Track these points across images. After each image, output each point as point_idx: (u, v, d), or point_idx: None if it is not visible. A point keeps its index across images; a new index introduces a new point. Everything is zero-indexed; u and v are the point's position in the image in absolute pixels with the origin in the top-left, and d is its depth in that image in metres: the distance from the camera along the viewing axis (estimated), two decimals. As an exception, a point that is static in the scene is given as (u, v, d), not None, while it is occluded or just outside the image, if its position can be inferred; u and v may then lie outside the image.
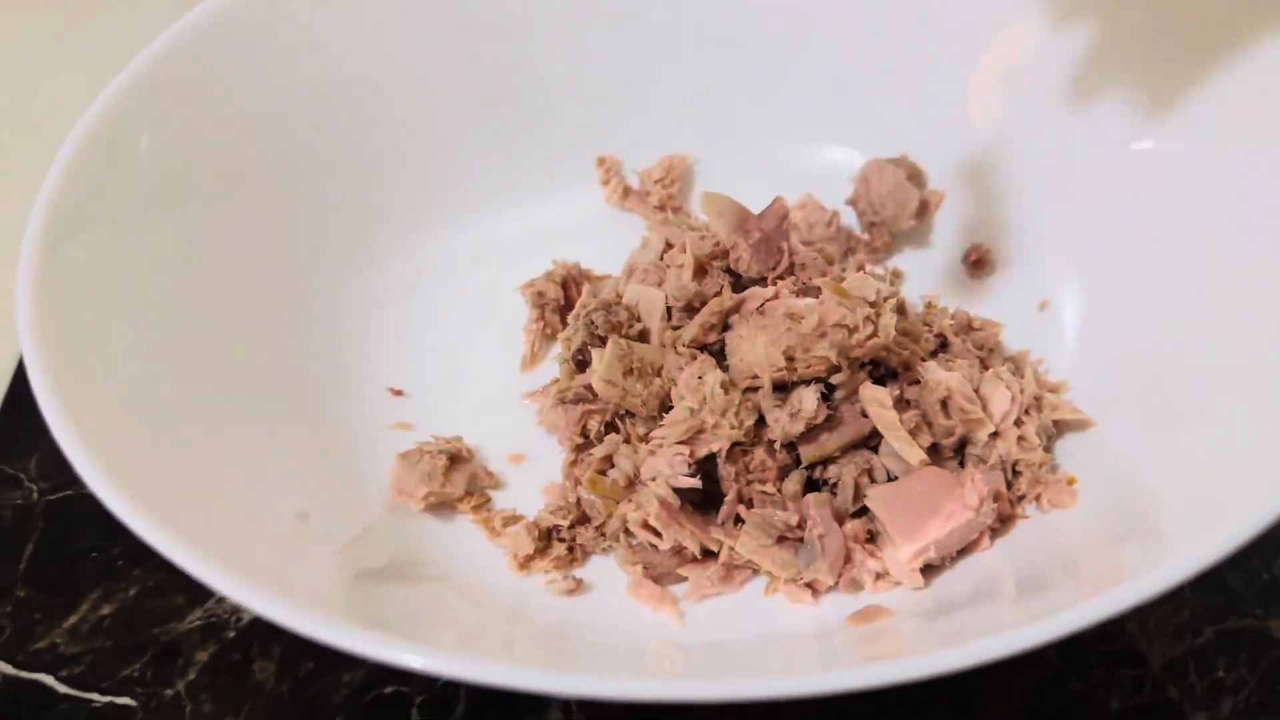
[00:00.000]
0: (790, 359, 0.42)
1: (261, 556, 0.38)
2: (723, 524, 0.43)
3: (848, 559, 0.42)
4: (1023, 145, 0.53)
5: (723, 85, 0.59)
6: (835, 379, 0.43)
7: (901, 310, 0.48)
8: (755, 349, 0.43)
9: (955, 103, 0.54)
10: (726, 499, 0.43)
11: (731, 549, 0.43)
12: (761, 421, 0.43)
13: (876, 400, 0.42)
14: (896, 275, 0.54)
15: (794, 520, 0.42)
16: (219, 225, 0.49)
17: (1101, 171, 0.50)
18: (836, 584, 0.42)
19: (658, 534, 0.43)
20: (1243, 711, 0.41)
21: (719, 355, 0.45)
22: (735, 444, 0.43)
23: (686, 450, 0.42)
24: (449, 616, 0.41)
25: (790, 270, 0.46)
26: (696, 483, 0.42)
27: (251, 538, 0.39)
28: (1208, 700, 0.42)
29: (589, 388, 0.46)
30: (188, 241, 0.47)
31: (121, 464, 0.37)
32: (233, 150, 0.50)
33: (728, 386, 0.43)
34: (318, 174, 0.53)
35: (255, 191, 0.51)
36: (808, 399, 0.42)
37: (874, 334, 0.42)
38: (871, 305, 0.43)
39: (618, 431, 0.46)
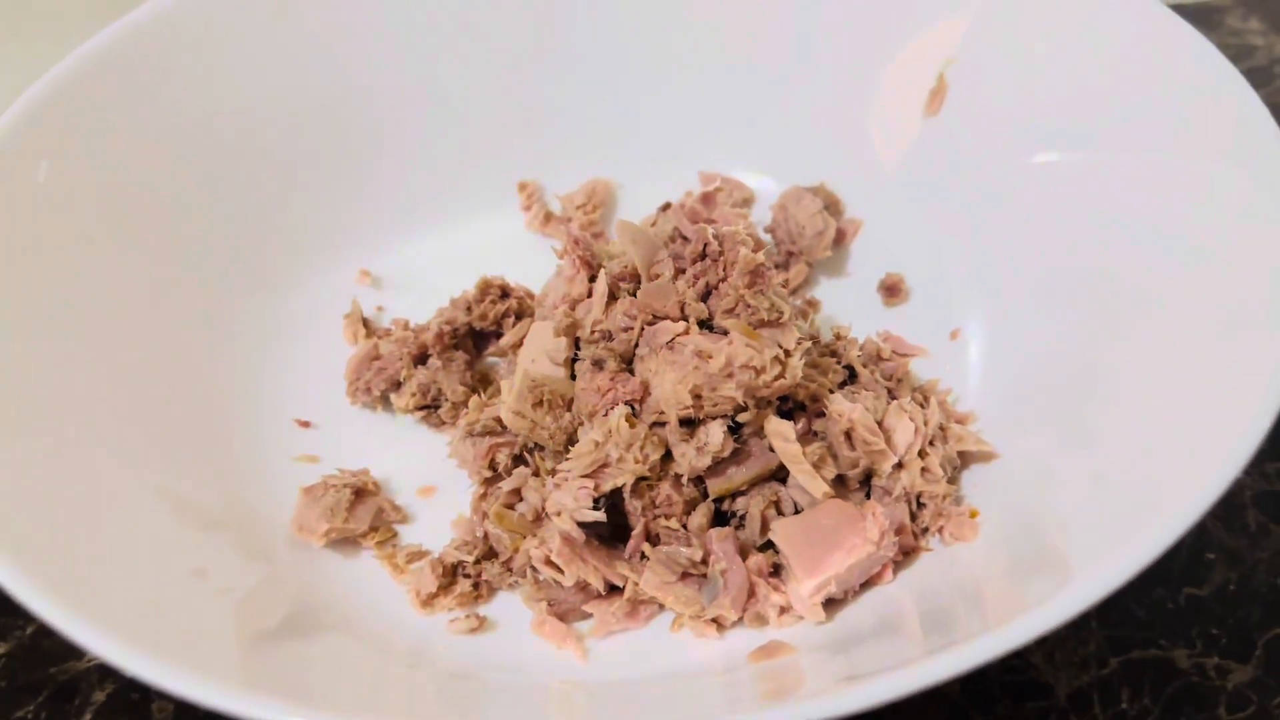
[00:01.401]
0: (698, 396, 0.42)
1: (152, 619, 0.37)
2: (629, 559, 0.43)
3: (751, 593, 0.42)
4: (935, 170, 0.53)
5: (644, 111, 0.59)
6: (741, 416, 0.43)
7: (814, 341, 0.49)
8: (663, 384, 0.43)
9: (868, 129, 0.55)
10: (633, 534, 0.43)
11: (636, 584, 0.42)
12: (668, 455, 0.43)
13: (780, 434, 0.42)
14: (811, 304, 0.54)
15: (698, 556, 0.42)
16: (116, 256, 0.48)
17: (1007, 191, 0.50)
18: (741, 619, 0.42)
19: (561, 570, 0.42)
20: (1144, 743, 0.41)
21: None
22: (640, 479, 0.42)
23: (591, 484, 0.42)
24: (349, 670, 0.40)
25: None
26: (600, 516, 0.42)
27: (143, 598, 0.38)
28: (1110, 732, 0.42)
29: (498, 419, 0.46)
30: (81, 274, 0.46)
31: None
32: (132, 178, 0.49)
33: (633, 421, 0.43)
34: (219, 199, 0.52)
35: (154, 219, 0.50)
36: (714, 433, 0.42)
37: (781, 375, 0.42)
38: (783, 349, 0.43)
39: (526, 464, 0.46)
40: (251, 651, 0.39)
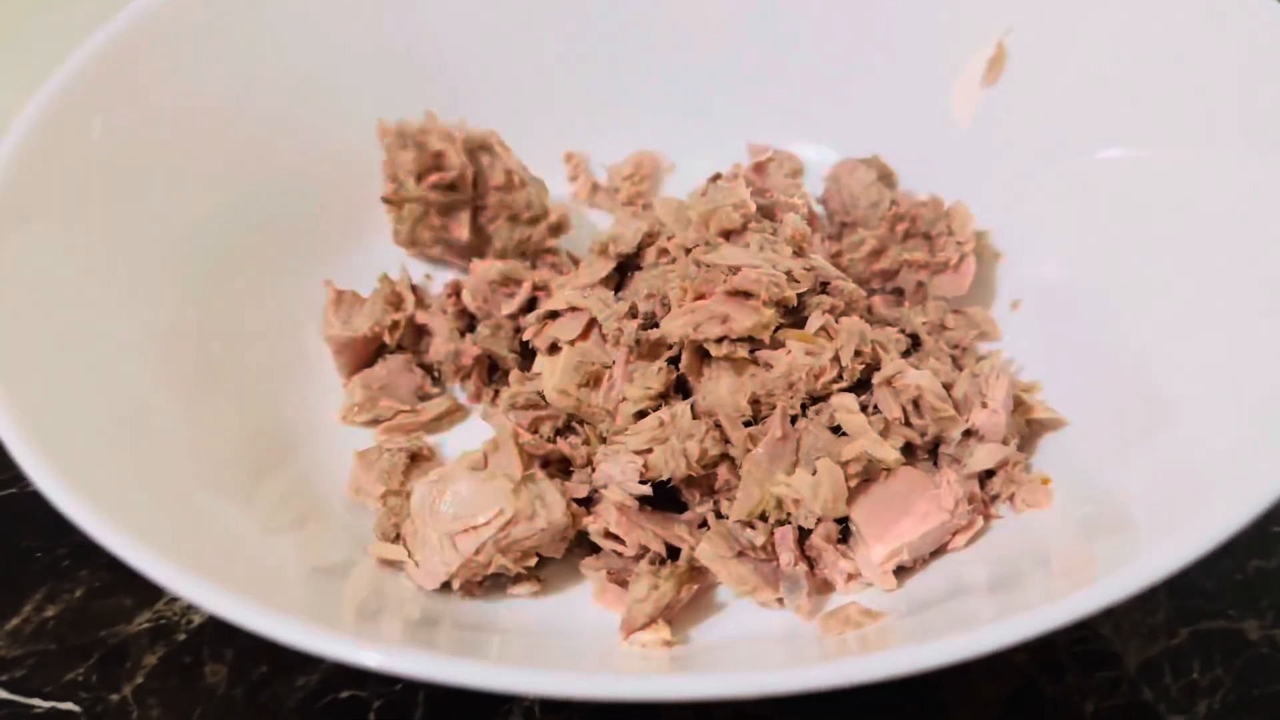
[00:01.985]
0: (755, 403, 0.42)
1: (213, 553, 0.37)
2: (690, 525, 0.43)
3: (819, 557, 0.42)
4: (996, 147, 0.52)
5: (693, 80, 0.58)
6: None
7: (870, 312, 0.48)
8: (719, 389, 0.42)
9: (928, 104, 0.54)
10: (696, 504, 0.43)
11: (693, 549, 0.42)
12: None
13: (844, 407, 0.42)
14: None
15: (760, 541, 0.41)
16: (172, 208, 0.47)
17: (1073, 174, 0.49)
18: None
19: (621, 540, 0.42)
20: (1218, 712, 0.41)
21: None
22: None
23: (641, 460, 0.42)
24: (406, 615, 0.39)
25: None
26: (647, 490, 0.42)
27: (203, 532, 0.38)
28: (1184, 702, 0.41)
29: (541, 394, 0.46)
30: (139, 225, 0.46)
31: (66, 458, 0.35)
32: (184, 134, 0.49)
33: (699, 413, 0.42)
34: (271, 157, 0.52)
35: (208, 174, 0.49)
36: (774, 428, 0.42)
37: (839, 376, 0.42)
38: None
39: (576, 434, 0.45)
40: (312, 589, 0.39)
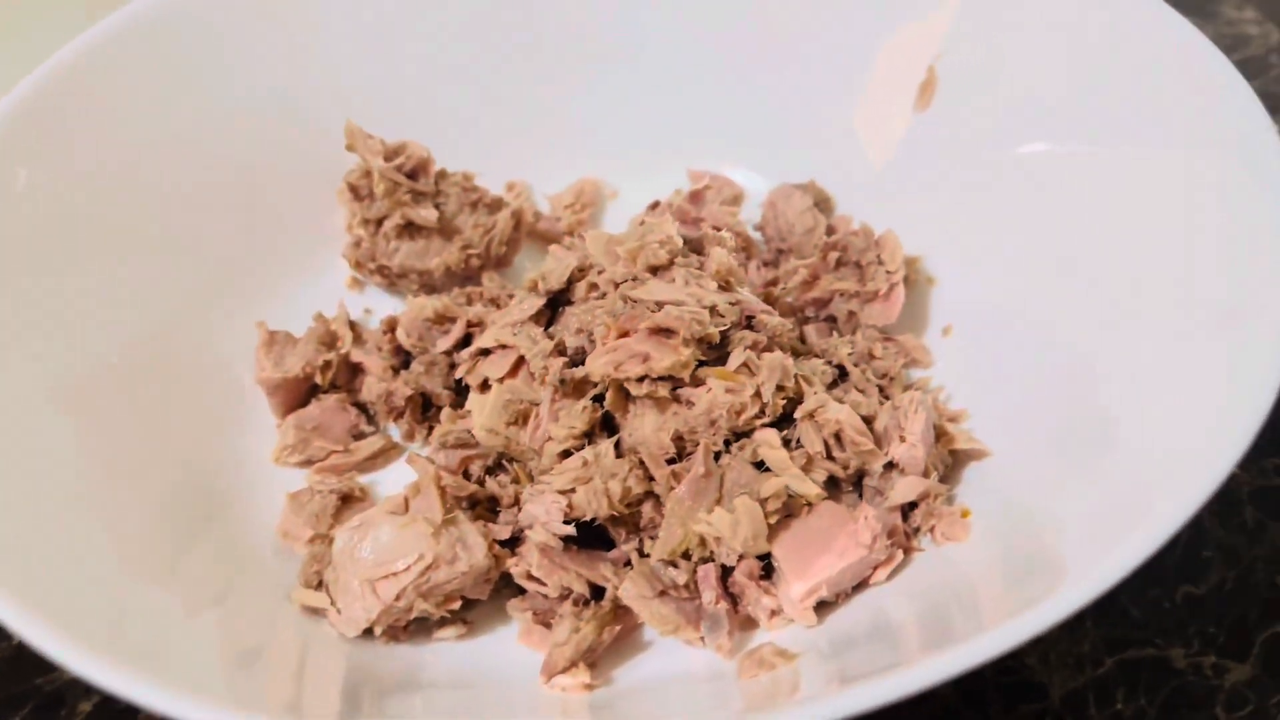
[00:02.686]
0: (679, 439, 0.42)
1: (132, 632, 0.37)
2: (615, 563, 0.43)
3: (742, 594, 0.42)
4: (926, 165, 0.52)
5: (634, 107, 0.59)
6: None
7: (802, 341, 0.48)
8: (643, 427, 0.42)
9: (858, 125, 0.54)
10: (621, 543, 0.43)
11: (617, 589, 0.42)
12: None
13: (767, 443, 0.42)
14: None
15: (682, 580, 0.41)
16: (97, 262, 0.48)
17: (1004, 196, 0.49)
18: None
19: (543, 583, 0.42)
20: (1140, 745, 0.41)
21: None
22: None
23: (565, 500, 0.42)
24: (330, 682, 0.39)
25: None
26: (571, 531, 0.42)
27: (125, 616, 0.38)
28: (1106, 733, 0.41)
29: (470, 433, 0.46)
30: (64, 280, 0.46)
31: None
32: (111, 184, 0.49)
33: (624, 451, 0.43)
34: (200, 206, 0.52)
35: (134, 226, 0.50)
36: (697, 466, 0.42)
37: (761, 412, 0.42)
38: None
39: (506, 473, 0.46)
40: (236, 665, 0.39)
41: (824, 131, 0.55)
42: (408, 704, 0.39)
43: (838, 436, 0.43)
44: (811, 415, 0.43)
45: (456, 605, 0.42)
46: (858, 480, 0.44)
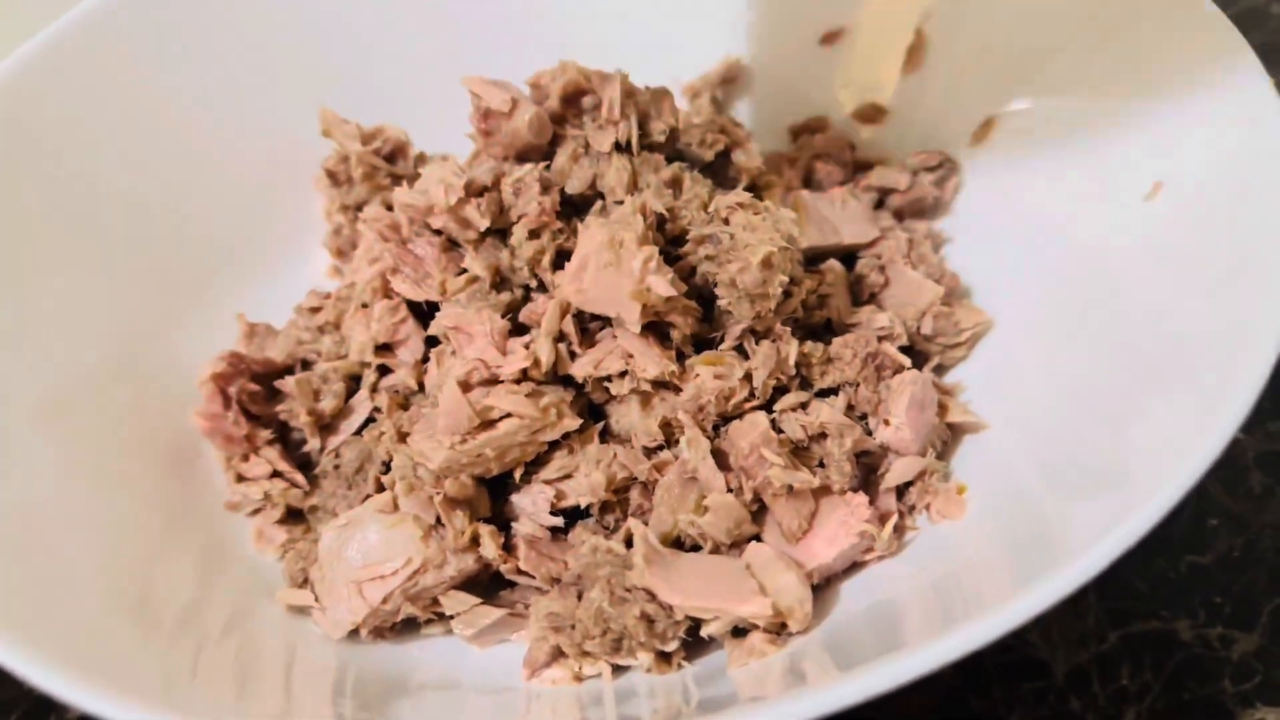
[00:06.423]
0: (667, 425, 0.41)
1: (100, 646, 0.36)
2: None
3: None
4: (915, 129, 0.51)
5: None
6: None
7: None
8: (630, 414, 0.41)
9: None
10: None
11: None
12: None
13: (755, 427, 0.41)
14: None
15: None
16: (56, 272, 0.47)
17: (989, 151, 0.48)
18: None
19: (532, 575, 0.41)
20: (1146, 719, 0.40)
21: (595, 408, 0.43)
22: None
23: (552, 490, 0.41)
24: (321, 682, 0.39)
25: None
26: (559, 522, 0.41)
27: (107, 638, 0.37)
28: (1111, 710, 0.40)
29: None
30: (31, 289, 0.45)
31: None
32: (84, 187, 0.48)
33: (611, 437, 0.42)
34: (156, 212, 0.51)
35: (113, 232, 0.49)
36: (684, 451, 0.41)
37: (751, 395, 0.41)
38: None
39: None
40: (223, 671, 0.38)
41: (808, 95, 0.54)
42: (395, 704, 0.38)
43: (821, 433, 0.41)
44: (802, 405, 0.42)
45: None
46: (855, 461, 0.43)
